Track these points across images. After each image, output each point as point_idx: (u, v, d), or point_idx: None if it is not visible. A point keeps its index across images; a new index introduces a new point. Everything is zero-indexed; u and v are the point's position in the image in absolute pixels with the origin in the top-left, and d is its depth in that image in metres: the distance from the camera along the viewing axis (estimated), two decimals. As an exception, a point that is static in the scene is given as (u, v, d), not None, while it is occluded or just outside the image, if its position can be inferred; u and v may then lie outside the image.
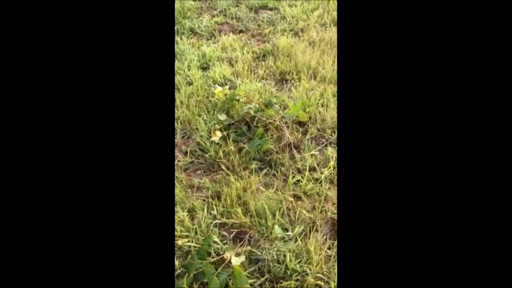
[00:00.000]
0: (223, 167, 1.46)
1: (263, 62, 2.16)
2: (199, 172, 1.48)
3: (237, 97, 1.75)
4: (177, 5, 2.72)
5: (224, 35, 2.45)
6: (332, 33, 2.36)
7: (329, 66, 2.01)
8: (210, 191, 1.36)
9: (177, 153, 1.56)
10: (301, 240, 1.16)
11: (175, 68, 2.07)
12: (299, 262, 1.11)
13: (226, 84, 1.96)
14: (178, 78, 1.98)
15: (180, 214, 1.26)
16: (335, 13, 2.64)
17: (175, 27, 2.54)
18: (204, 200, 1.34)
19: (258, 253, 1.14)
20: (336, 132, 1.63)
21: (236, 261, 1.10)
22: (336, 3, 2.69)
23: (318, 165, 1.46)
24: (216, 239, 1.18)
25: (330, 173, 1.42)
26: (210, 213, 1.28)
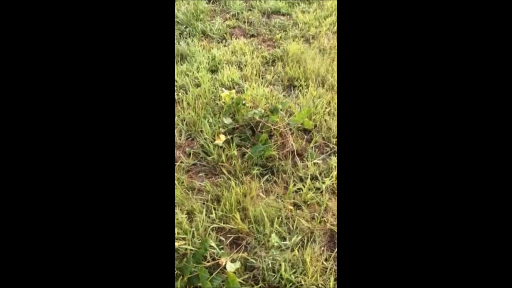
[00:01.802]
0: (225, 171, 1.46)
1: (272, 68, 2.16)
2: (200, 174, 1.48)
3: (243, 102, 1.75)
4: (190, 7, 2.76)
5: (235, 38, 2.46)
6: (343, 41, 2.34)
7: (338, 75, 2.00)
8: (210, 195, 1.36)
9: (180, 154, 1.57)
10: (297, 250, 1.15)
11: (185, 69, 2.09)
12: (294, 273, 1.09)
13: (234, 88, 1.97)
14: (186, 80, 2.00)
15: (179, 216, 1.26)
16: (348, 21, 2.61)
17: (187, 28, 2.57)
18: (203, 203, 1.34)
19: (254, 260, 1.13)
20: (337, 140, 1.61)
21: (231, 267, 1.09)
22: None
23: (320, 174, 1.44)
24: (213, 244, 1.18)
25: (332, 183, 1.40)
26: (209, 217, 1.28)
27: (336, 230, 1.23)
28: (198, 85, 1.99)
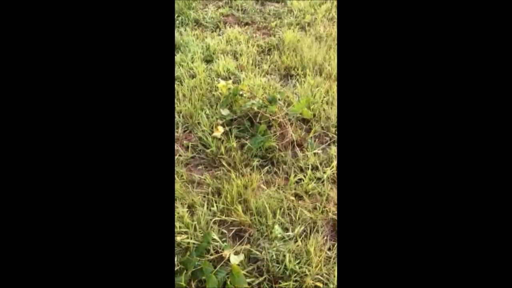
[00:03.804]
0: (224, 163, 1.44)
1: (268, 56, 2.12)
2: (200, 167, 1.46)
3: (241, 92, 1.72)
4: (182, -5, 2.67)
5: (229, 27, 2.41)
6: (339, 28, 2.31)
7: (335, 63, 1.97)
8: (210, 187, 1.35)
9: (178, 147, 1.54)
10: (301, 241, 1.15)
11: (179, 60, 2.04)
12: (298, 263, 1.09)
13: (230, 78, 1.93)
14: (181, 71, 1.95)
15: (180, 210, 1.24)
16: (344, 7, 2.57)
17: (180, 17, 2.50)
18: (204, 196, 1.32)
19: (257, 252, 1.13)
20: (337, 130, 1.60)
21: (235, 259, 1.09)
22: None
23: (320, 164, 1.43)
24: (215, 237, 1.17)
25: (333, 173, 1.39)
26: (210, 210, 1.27)
27: (338, 220, 1.23)
28: (193, 76, 1.94)
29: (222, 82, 1.77)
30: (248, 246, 1.15)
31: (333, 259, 1.12)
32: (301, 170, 1.42)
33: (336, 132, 1.60)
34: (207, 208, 1.27)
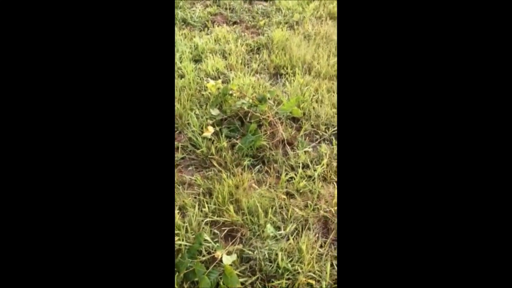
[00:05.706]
0: (215, 164, 1.43)
1: (257, 55, 2.11)
2: (190, 168, 1.45)
3: (230, 92, 1.71)
4: (169, -6, 2.64)
5: (218, 26, 2.39)
6: (327, 27, 2.32)
7: (324, 61, 1.98)
8: (201, 188, 1.34)
9: (168, 148, 1.53)
10: (293, 239, 1.15)
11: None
12: (290, 261, 1.10)
13: (219, 78, 1.92)
14: (169, 71, 1.93)
15: (171, 211, 1.23)
16: (331, 6, 2.59)
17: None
18: (195, 197, 1.31)
19: (250, 252, 1.13)
20: (333, 129, 1.61)
21: (227, 260, 1.08)
22: (332, -4, 2.64)
23: (311, 162, 1.44)
24: (207, 238, 1.16)
25: (323, 171, 1.40)
26: (202, 211, 1.26)
27: (329, 217, 1.24)
28: (182, 76, 1.92)
29: (211, 82, 1.76)
30: (240, 246, 1.15)
31: (325, 256, 1.12)
32: (292, 168, 1.42)
33: (326, 130, 1.61)
34: (199, 209, 1.26)
